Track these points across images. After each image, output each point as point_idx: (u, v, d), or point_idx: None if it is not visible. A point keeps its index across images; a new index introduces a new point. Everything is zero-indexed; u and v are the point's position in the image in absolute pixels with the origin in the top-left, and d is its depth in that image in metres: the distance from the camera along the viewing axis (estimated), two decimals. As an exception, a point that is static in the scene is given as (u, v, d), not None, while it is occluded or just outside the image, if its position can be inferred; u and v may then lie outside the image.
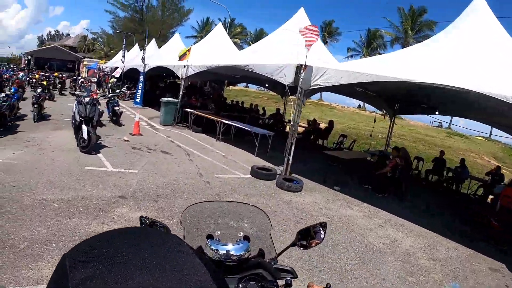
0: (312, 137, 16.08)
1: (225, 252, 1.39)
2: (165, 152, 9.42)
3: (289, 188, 7.73)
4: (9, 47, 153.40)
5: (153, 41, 25.98)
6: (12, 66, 37.35)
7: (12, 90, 11.89)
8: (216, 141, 12.08)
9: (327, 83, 7.93)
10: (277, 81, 9.18)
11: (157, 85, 24.69)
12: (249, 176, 8.32)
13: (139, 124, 11.59)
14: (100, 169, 7.15)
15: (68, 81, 24.86)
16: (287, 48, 9.79)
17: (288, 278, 1.44)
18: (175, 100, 14.82)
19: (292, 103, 8.86)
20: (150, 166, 7.86)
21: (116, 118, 13.11)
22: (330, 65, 8.81)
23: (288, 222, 5.90)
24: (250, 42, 47.35)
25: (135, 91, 21.23)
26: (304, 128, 16.30)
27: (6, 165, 6.49)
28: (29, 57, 44.25)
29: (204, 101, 18.22)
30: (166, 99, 14.73)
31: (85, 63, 44.13)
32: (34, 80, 19.42)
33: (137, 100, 20.04)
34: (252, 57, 11.02)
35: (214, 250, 1.39)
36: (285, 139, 8.66)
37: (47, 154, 7.63)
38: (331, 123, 16.26)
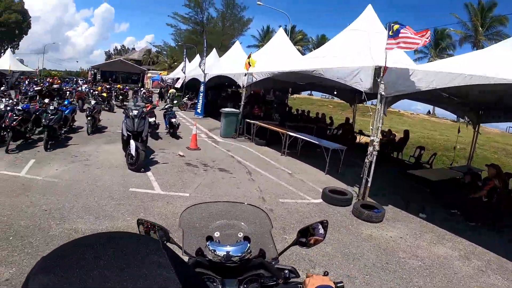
0: (388, 150, 14.24)
1: (225, 253, 1.40)
2: (223, 170, 8.37)
3: (369, 218, 6.20)
4: (77, 61, 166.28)
5: (214, 51, 25.60)
6: (80, 79, 39.16)
7: (66, 102, 11.72)
8: (281, 155, 10.82)
9: (414, 88, 6.41)
10: (346, 87, 7.73)
11: (219, 94, 24.09)
12: (320, 201, 6.92)
13: (196, 138, 10.74)
14: (146, 192, 6.27)
15: (130, 92, 25.17)
16: (358, 49, 8.33)
17: (286, 271, 1.49)
18: (237, 110, 13.81)
19: (371, 112, 7.38)
20: (205, 188, 6.82)
21: (173, 130, 12.48)
22: (416, 67, 7.26)
23: (371, 270, 4.45)
24: (312, 49, 45.99)
25: (196, 101, 20.78)
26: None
27: (45, 184, 5.94)
28: (95, 70, 46.45)
29: (268, 111, 17.11)
30: (227, 109, 13.76)
31: (149, 75, 45.55)
32: (96, 92, 19.70)
33: (198, 110, 19.49)
34: (320, 61, 9.64)
35: (214, 251, 1.41)
36: (356, 152, 7.25)
37: (91, 172, 6.98)
38: (406, 133, 14.27)
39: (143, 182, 6.85)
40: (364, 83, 7.16)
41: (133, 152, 7.49)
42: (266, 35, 52.61)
